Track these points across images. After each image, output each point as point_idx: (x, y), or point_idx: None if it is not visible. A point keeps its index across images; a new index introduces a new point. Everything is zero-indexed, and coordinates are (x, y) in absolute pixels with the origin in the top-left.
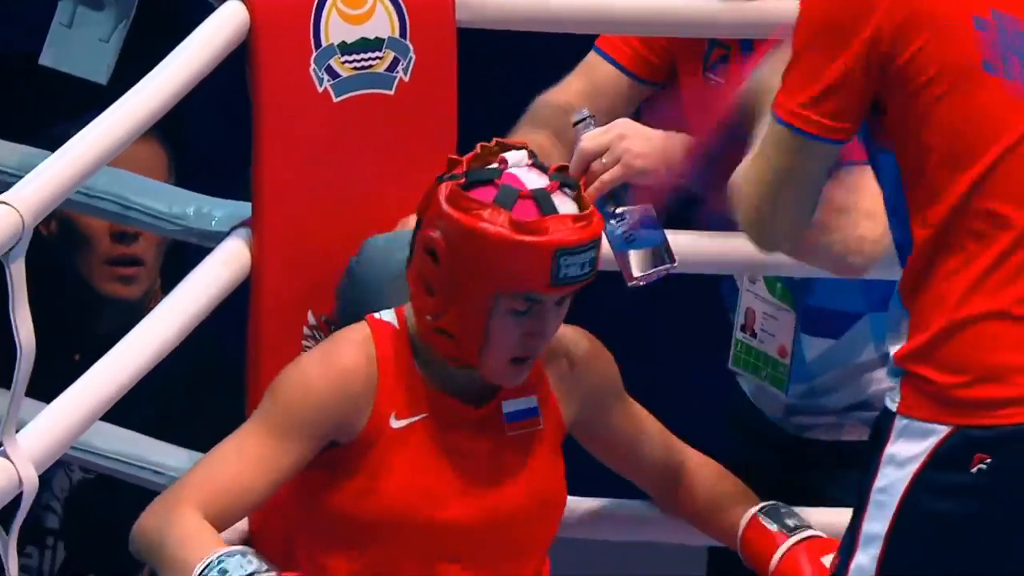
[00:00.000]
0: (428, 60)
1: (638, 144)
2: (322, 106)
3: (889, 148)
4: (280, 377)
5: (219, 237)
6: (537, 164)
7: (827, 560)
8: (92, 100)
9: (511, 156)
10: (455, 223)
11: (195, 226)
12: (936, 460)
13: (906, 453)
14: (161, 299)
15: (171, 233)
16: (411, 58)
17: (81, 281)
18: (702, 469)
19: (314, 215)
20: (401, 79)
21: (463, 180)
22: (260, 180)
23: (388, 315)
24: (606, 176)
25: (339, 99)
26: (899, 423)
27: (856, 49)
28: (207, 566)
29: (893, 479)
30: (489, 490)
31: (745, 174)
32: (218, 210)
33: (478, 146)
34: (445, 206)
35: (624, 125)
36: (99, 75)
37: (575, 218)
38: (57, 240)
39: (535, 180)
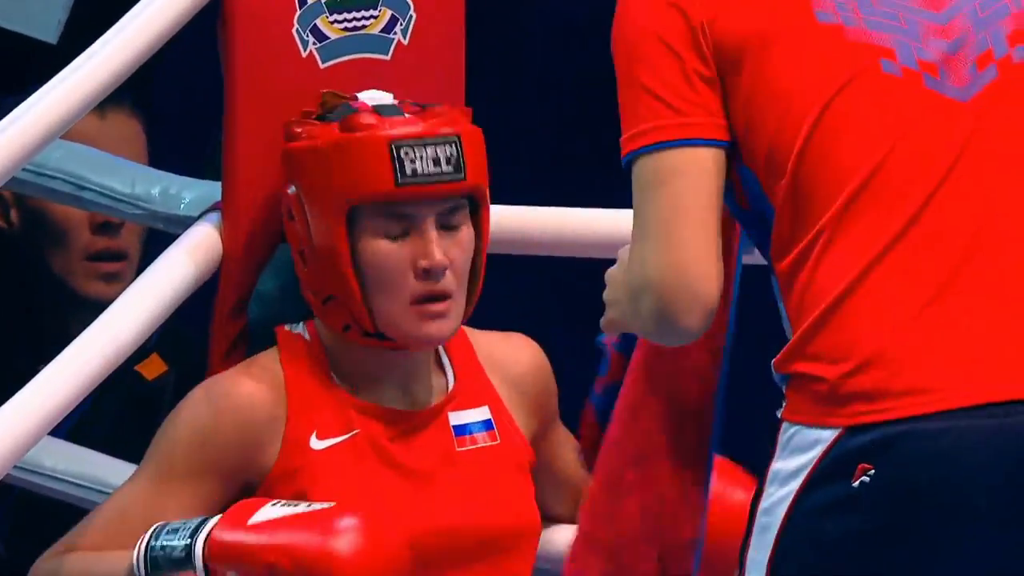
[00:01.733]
0: (431, 20)
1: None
2: (306, 73)
3: (737, 137)
4: (172, 415)
5: (189, 222)
6: (391, 110)
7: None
8: (42, 69)
9: (368, 93)
10: (292, 156)
11: (161, 210)
12: (818, 473)
13: (789, 467)
14: None
15: (133, 218)
16: (411, 17)
17: (56, 281)
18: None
19: None
20: (399, 42)
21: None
22: (232, 159)
23: (298, 328)
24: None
25: (326, 65)
26: (784, 433)
27: (681, 41)
28: (147, 548)
29: (776, 499)
30: (444, 514)
31: (632, 240)
32: (188, 191)
33: (326, 92)
34: (283, 148)
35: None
36: (48, 33)
37: (418, 112)
38: (24, 233)
39: (385, 99)
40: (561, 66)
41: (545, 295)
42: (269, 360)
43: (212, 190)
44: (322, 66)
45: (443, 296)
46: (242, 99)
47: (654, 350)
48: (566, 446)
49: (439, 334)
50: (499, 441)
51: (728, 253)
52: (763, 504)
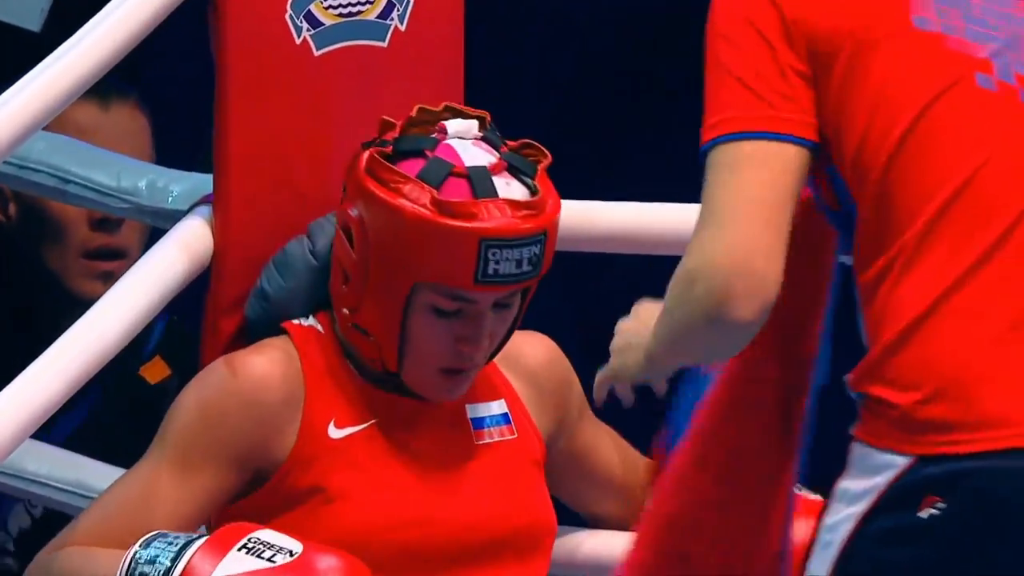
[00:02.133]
0: (428, 6)
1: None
2: (300, 60)
3: (826, 138)
4: (179, 398)
5: (178, 216)
6: (489, 138)
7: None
8: (25, 59)
9: (454, 124)
10: (369, 197)
11: (148, 203)
12: (886, 499)
13: (858, 488)
14: None
15: (120, 212)
16: (408, 2)
17: (51, 279)
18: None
19: (289, 191)
20: (396, 28)
21: (389, 149)
22: (224, 149)
23: (309, 320)
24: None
25: (321, 52)
26: (856, 451)
27: (776, 33)
28: (132, 561)
29: (841, 517)
30: (464, 506)
31: (696, 226)
32: (176, 184)
33: (416, 108)
34: (362, 177)
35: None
36: (31, 21)
37: (514, 204)
38: (20, 228)
39: (477, 157)
40: (560, 62)
41: (555, 296)
42: (282, 343)
43: (202, 183)
44: (316, 53)
45: (472, 370)
46: (234, 88)
47: (741, 362)
48: (601, 441)
49: (456, 395)
50: (516, 436)
51: (825, 256)
52: (828, 519)
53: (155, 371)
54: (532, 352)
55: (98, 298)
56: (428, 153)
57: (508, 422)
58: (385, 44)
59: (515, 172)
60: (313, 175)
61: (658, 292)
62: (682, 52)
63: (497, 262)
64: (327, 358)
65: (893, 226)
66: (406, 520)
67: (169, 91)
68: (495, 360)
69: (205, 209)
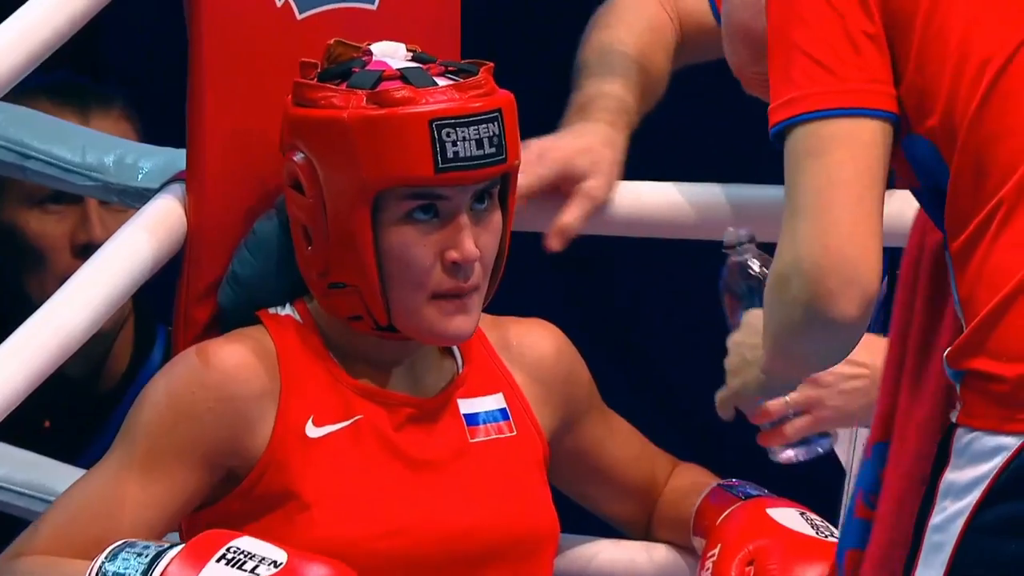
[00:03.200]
0: None
1: (838, 400)
2: (281, 24)
3: (908, 104)
4: (144, 391)
5: (148, 195)
6: (421, 56)
7: (776, 512)
8: None
9: (380, 46)
10: (302, 123)
11: (115, 181)
12: (999, 486)
13: (965, 478)
14: (132, 334)
15: (84, 191)
16: None
17: (32, 308)
18: (689, 482)
19: (269, 168)
20: None
21: (313, 78)
22: (198, 123)
23: (286, 309)
24: (790, 430)
25: (304, 15)
26: (960, 439)
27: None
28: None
29: (950, 513)
30: (455, 513)
31: (784, 223)
32: (147, 160)
33: (333, 41)
34: (291, 112)
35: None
36: None
37: (458, 85)
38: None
39: (409, 64)
40: (568, 25)
41: (558, 286)
42: (257, 332)
43: (174, 158)
44: (299, 17)
45: (469, 291)
46: (209, 55)
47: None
48: (614, 436)
49: (461, 331)
50: (515, 433)
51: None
52: (935, 519)
53: None
54: (535, 341)
55: None
56: (356, 70)
57: (506, 418)
58: (374, 6)
59: (454, 72)
60: None
61: (669, 281)
62: None
63: (455, 143)
64: (306, 349)
65: (986, 185)
66: (389, 529)
67: (135, 62)
68: (494, 348)
69: (178, 187)
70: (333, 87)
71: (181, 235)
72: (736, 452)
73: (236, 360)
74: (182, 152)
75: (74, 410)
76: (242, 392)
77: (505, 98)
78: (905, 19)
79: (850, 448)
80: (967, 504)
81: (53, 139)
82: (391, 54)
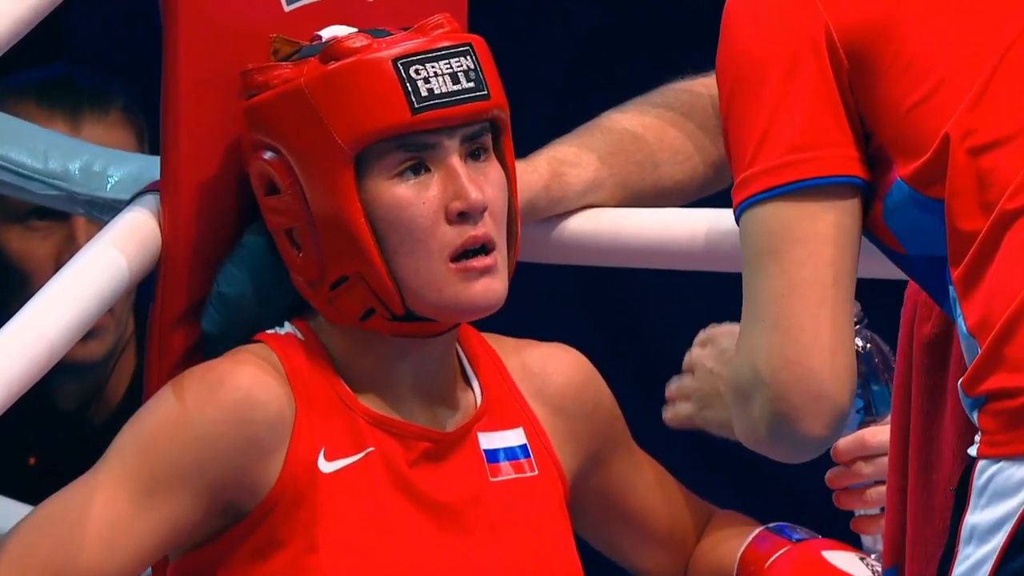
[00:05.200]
0: None
1: None
2: (267, 17)
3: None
4: (147, 405)
5: (118, 207)
6: (374, 33)
7: (833, 556)
8: None
9: (330, 30)
10: (259, 110)
11: (81, 191)
12: None
13: (990, 518)
14: (134, 360)
15: (48, 201)
16: None
17: None
18: (730, 528)
19: None
20: None
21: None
22: (174, 128)
23: (286, 328)
24: (874, 495)
25: (292, 7)
26: (981, 475)
27: (807, 43)
28: None
29: (975, 560)
30: (474, 560)
31: (742, 326)
32: (117, 168)
33: (274, 36)
34: (245, 107)
35: None
36: None
37: (419, 28)
38: None
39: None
40: (578, 15)
41: (568, 303)
42: (262, 350)
43: (147, 167)
44: (287, 8)
45: (487, 246)
46: (185, 50)
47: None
48: (642, 479)
49: (489, 297)
50: (537, 472)
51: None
52: (958, 569)
53: None
54: (558, 369)
55: (76, 360)
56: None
57: (527, 455)
58: None
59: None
60: None
61: (702, 309)
62: None
63: (427, 80)
64: (314, 371)
65: (986, 201)
66: (406, 570)
67: (104, 60)
68: (512, 376)
69: (151, 198)
70: (280, 65)
71: (155, 252)
72: (783, 498)
73: (251, 381)
74: (156, 160)
75: (65, 445)
76: (258, 417)
77: (475, 37)
78: (864, 59)
79: None
80: (994, 548)
81: (12, 142)
82: (336, 33)
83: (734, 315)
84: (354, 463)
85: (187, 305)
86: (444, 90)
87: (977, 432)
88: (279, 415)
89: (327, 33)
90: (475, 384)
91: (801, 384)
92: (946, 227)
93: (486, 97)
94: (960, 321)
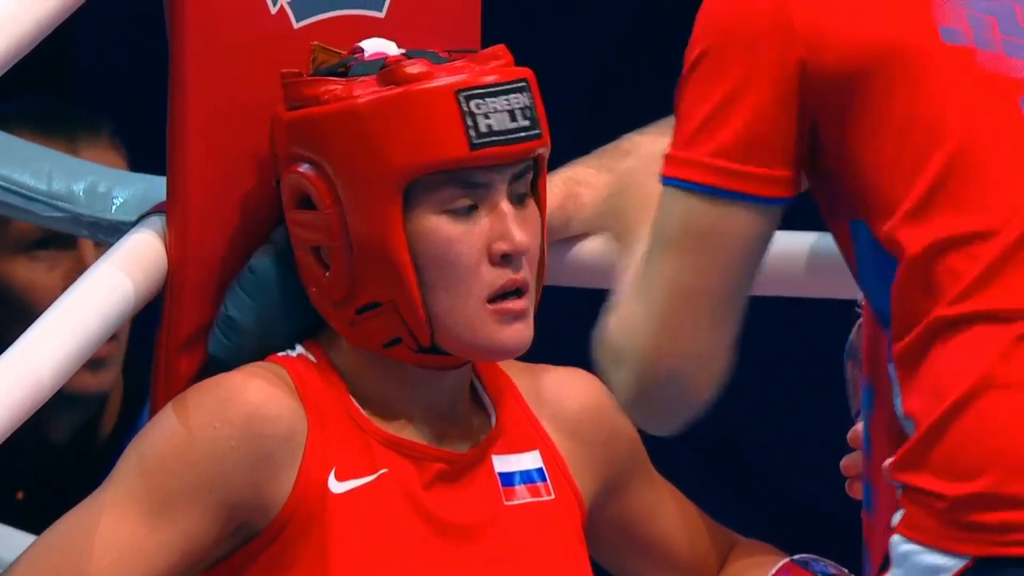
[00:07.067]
0: None
1: None
2: (276, 34)
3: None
4: (153, 422)
5: (123, 229)
6: (412, 53)
7: None
8: None
9: (371, 43)
10: (306, 125)
11: (86, 212)
12: None
13: None
14: (122, 390)
15: (50, 223)
16: None
17: None
18: (753, 558)
19: (262, 197)
20: None
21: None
22: (181, 147)
23: (297, 350)
24: None
25: (301, 24)
26: (897, 549)
27: (768, 59)
28: None
29: None
30: None
31: (633, 288)
32: (122, 189)
33: (313, 44)
34: (288, 119)
35: None
36: None
37: (477, 58)
38: None
39: (395, 50)
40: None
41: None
42: (273, 367)
43: (153, 187)
44: (296, 25)
45: (520, 290)
46: (193, 70)
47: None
48: (662, 507)
49: (519, 342)
50: (554, 496)
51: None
52: None
53: None
54: (572, 395)
55: (82, 391)
56: (351, 64)
57: (543, 479)
58: (382, 14)
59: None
60: None
61: None
62: None
63: (487, 116)
64: (326, 391)
65: (942, 279)
66: None
67: (108, 81)
68: (526, 399)
69: (157, 220)
70: (334, 82)
71: (161, 275)
72: (812, 527)
73: (264, 395)
74: (162, 180)
75: (55, 478)
76: (269, 431)
77: (527, 71)
78: (835, 90)
79: None
80: None
81: (14, 163)
82: (385, 48)
83: (749, 335)
84: (366, 484)
85: (194, 329)
86: (502, 127)
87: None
88: (290, 430)
89: (369, 47)
90: (489, 407)
91: (666, 381)
92: (891, 299)
93: (539, 136)
94: (897, 399)
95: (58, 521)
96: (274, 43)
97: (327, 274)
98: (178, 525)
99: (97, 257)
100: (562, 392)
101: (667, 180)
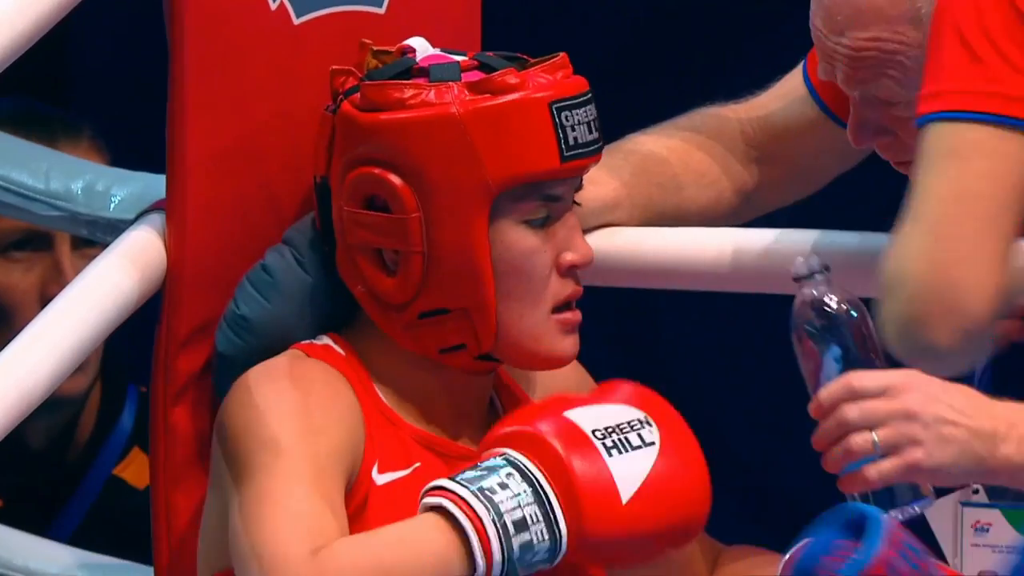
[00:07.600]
0: None
1: (933, 445)
2: (275, 31)
3: None
4: (247, 418)
5: (122, 227)
6: (451, 52)
7: None
8: None
9: (418, 42)
10: (390, 129)
11: (84, 211)
12: None
13: None
14: (102, 390)
15: (49, 222)
16: None
17: None
18: (740, 562)
19: (260, 194)
20: None
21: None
22: (179, 143)
23: (322, 340)
24: (874, 472)
25: (301, 20)
26: None
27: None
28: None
29: None
30: None
31: (907, 218)
32: (120, 187)
33: (360, 43)
34: (366, 119)
35: (915, 387)
36: None
37: (548, 67)
38: None
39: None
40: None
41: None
42: (313, 359)
43: (151, 185)
44: (296, 21)
45: (577, 301)
46: (191, 64)
47: None
48: None
49: (575, 351)
50: None
51: None
52: None
53: (137, 470)
54: (555, 375)
55: (60, 395)
56: (417, 67)
57: None
58: (382, 10)
59: (512, 59)
60: (290, 174)
61: (717, 328)
62: None
63: (573, 128)
64: (361, 383)
65: None
66: None
67: (106, 83)
68: (523, 390)
69: (156, 218)
70: (417, 86)
71: (160, 273)
72: (798, 519)
73: (323, 375)
74: (161, 178)
75: (36, 484)
76: (346, 402)
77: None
78: None
79: (955, 527)
80: None
81: (13, 162)
82: (427, 49)
83: (749, 331)
84: (403, 477)
85: (194, 327)
86: (584, 139)
87: None
88: (354, 410)
89: (419, 47)
90: (497, 402)
91: (942, 293)
92: None
93: (602, 148)
94: None
95: (251, 507)
96: (274, 39)
97: (390, 277)
98: (337, 486)
99: (73, 259)
100: (546, 374)
101: (931, 116)
